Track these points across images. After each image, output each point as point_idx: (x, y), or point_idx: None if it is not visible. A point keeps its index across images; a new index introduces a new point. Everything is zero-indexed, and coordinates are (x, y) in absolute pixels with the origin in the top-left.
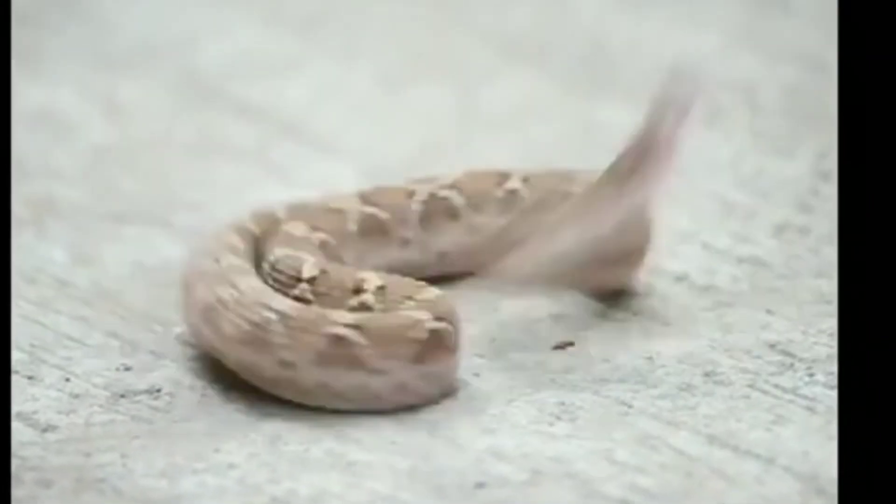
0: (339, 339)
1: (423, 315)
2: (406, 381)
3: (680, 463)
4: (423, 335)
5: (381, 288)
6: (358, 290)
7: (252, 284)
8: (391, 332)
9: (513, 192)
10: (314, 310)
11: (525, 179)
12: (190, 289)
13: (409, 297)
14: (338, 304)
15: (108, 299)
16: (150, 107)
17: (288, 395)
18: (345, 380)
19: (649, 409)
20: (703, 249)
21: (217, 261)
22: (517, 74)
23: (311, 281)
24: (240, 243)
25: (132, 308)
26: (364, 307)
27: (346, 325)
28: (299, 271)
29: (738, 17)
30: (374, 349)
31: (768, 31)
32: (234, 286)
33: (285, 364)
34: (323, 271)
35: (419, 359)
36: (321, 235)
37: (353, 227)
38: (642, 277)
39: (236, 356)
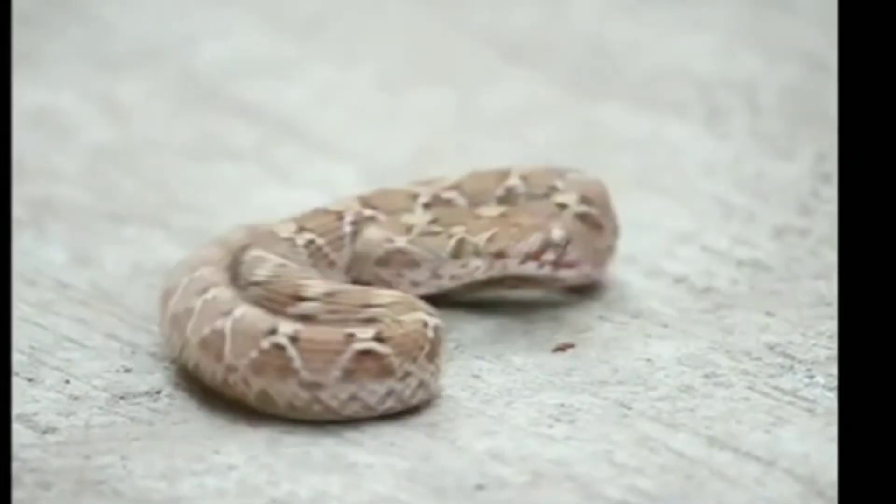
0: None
1: (425, 316)
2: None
3: (680, 465)
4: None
5: (328, 295)
6: (300, 298)
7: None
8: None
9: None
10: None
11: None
12: (166, 299)
13: (366, 305)
14: (279, 311)
15: (108, 301)
16: (150, 108)
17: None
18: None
19: (649, 410)
20: (703, 251)
21: (191, 273)
22: (517, 76)
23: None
24: (219, 255)
25: (132, 310)
26: (305, 318)
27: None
28: (253, 274)
29: (738, 18)
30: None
31: (769, 31)
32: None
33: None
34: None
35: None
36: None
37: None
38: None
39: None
